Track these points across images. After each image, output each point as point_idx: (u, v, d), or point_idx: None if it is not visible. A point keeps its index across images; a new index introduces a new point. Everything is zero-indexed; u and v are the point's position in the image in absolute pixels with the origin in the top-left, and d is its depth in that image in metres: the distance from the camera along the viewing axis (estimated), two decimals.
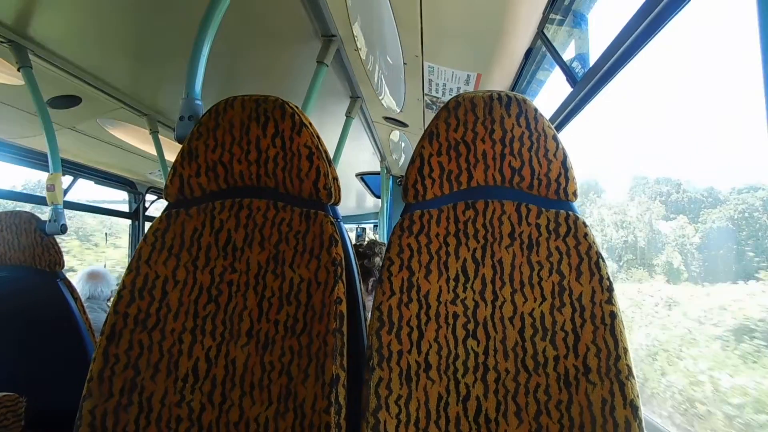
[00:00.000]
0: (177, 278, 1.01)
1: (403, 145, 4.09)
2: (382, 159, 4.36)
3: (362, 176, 5.28)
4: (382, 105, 2.95)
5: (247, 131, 1.04)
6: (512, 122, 1.00)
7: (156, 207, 4.28)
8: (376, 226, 6.94)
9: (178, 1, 1.72)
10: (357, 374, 0.95)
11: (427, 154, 1.02)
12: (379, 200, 5.61)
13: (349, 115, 2.63)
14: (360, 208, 7.08)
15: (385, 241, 5.01)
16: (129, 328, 0.97)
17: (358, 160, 4.44)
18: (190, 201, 1.06)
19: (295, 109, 1.05)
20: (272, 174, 1.04)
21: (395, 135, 3.79)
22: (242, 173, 1.05)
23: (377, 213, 6.21)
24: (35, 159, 2.95)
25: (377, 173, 4.86)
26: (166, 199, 1.08)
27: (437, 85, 2.40)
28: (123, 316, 0.98)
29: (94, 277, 2.83)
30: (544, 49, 1.86)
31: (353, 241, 1.51)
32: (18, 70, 1.92)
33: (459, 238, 1.00)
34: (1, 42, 1.85)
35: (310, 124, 1.05)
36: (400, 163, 4.81)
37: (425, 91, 2.54)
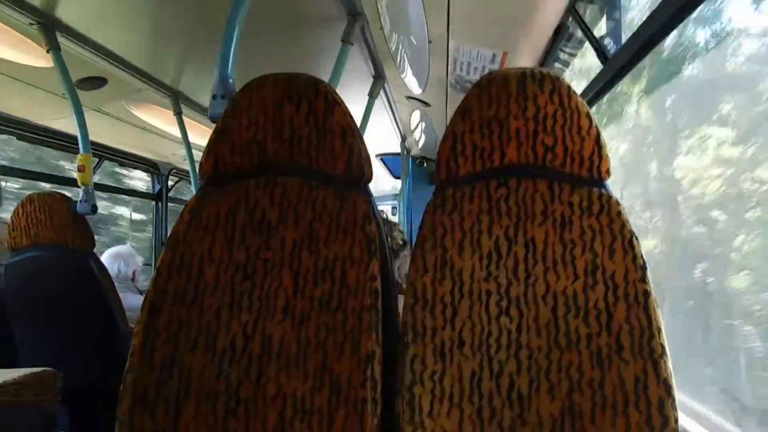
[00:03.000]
0: (213, 256, 1.02)
1: (423, 125, 4.07)
2: (403, 139, 4.34)
3: (381, 157, 5.27)
4: (405, 84, 2.93)
5: (281, 110, 1.04)
6: (545, 99, 0.99)
7: (177, 188, 4.33)
8: (394, 207, 6.93)
9: None
10: (390, 350, 0.96)
11: (460, 131, 1.02)
12: (396, 181, 5.60)
13: (371, 95, 2.62)
14: (378, 191, 7.07)
15: (403, 221, 5.01)
16: (168, 303, 0.99)
17: (378, 140, 4.43)
18: (224, 179, 1.07)
19: (328, 87, 1.05)
20: (306, 152, 1.04)
21: (416, 115, 3.77)
22: (276, 151, 1.05)
23: (395, 195, 6.21)
24: (60, 140, 2.99)
25: (396, 154, 4.85)
26: (201, 178, 1.10)
27: (462, 63, 2.37)
28: (162, 292, 1.00)
29: (117, 256, 2.90)
30: (573, 26, 1.83)
31: None
32: (47, 51, 1.95)
33: (492, 215, 1.00)
34: (31, 24, 1.87)
35: (342, 102, 1.05)
36: (420, 144, 4.79)
37: (450, 70, 2.52)
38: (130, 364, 0.96)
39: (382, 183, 6.41)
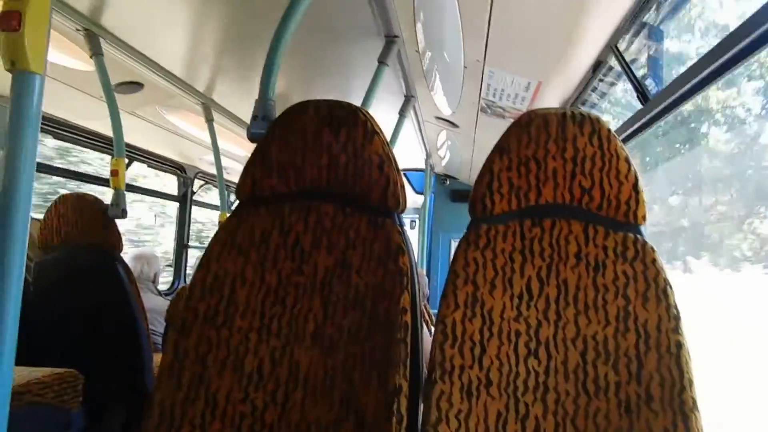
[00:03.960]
0: (245, 277, 1.03)
1: (449, 143, 4.07)
2: (428, 156, 4.34)
3: (405, 172, 5.26)
4: (435, 104, 2.94)
5: (320, 136, 1.05)
6: (585, 141, 0.99)
7: (200, 192, 4.37)
8: (413, 221, 6.92)
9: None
10: (415, 385, 0.96)
11: (497, 169, 1.02)
12: (417, 196, 5.60)
13: (402, 114, 2.63)
14: None
15: (424, 236, 5.00)
16: (199, 323, 1.00)
17: (400, 155, 4.44)
18: (260, 201, 1.08)
19: (368, 115, 1.06)
20: (342, 180, 1.05)
21: (443, 134, 3.77)
22: (313, 177, 1.06)
23: (415, 209, 6.20)
24: (95, 141, 3.05)
25: (418, 169, 4.85)
26: (238, 198, 1.11)
27: (495, 90, 2.37)
28: (193, 312, 1.01)
29: (140, 258, 2.94)
30: (612, 62, 1.82)
31: None
32: (90, 57, 1.99)
33: (525, 255, 0.99)
34: (77, 30, 1.92)
35: (381, 131, 1.06)
36: (444, 162, 4.79)
37: (482, 95, 2.52)
38: (158, 382, 0.97)
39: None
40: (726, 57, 1.11)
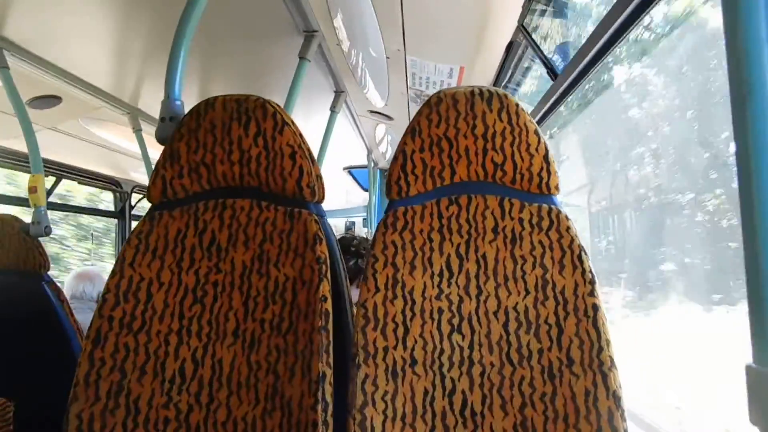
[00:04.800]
0: (161, 280, 1.00)
1: (389, 138, 4.09)
2: (369, 152, 4.35)
3: (350, 170, 5.27)
4: (367, 99, 2.95)
5: (229, 131, 1.03)
6: (494, 117, 1.01)
7: (141, 206, 4.25)
8: (365, 219, 6.93)
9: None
10: (343, 371, 0.96)
11: (410, 150, 1.02)
12: (366, 193, 5.61)
13: (333, 110, 2.62)
14: (349, 202, 7.06)
15: (372, 233, 5.01)
16: (114, 331, 0.97)
17: (345, 153, 4.43)
18: (173, 202, 1.06)
19: (277, 107, 1.05)
20: (255, 174, 1.04)
21: (381, 129, 3.79)
22: (225, 174, 1.04)
23: (365, 207, 6.21)
24: (17, 161, 2.91)
25: (364, 167, 4.86)
26: (149, 201, 1.08)
27: (421, 78, 2.40)
28: (108, 320, 0.98)
29: (81, 277, 2.81)
30: (524, 42, 1.87)
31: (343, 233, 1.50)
32: None
33: (443, 233, 1.01)
34: None
35: (293, 122, 1.05)
36: (387, 156, 4.81)
37: (409, 85, 2.54)
38: (74, 394, 0.94)
39: (353, 195, 6.41)
40: (620, 20, 1.15)
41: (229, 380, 0.94)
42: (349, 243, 1.96)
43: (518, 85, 2.32)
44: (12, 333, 1.82)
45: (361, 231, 6.38)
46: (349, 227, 7.19)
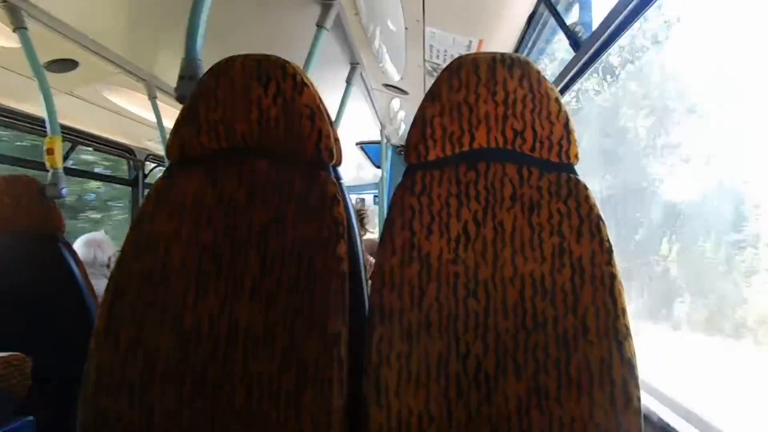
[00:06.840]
0: (180, 237, 1.01)
1: (403, 113, 4.06)
2: (382, 127, 4.33)
3: (362, 145, 5.25)
4: (383, 72, 2.92)
5: (249, 91, 1.03)
6: (515, 84, 1.00)
7: (154, 175, 4.27)
8: (375, 196, 6.92)
9: None
10: (359, 331, 0.97)
11: (429, 115, 1.02)
12: (378, 170, 5.59)
13: (349, 82, 2.61)
14: (359, 179, 7.05)
15: (383, 210, 5.01)
16: (134, 284, 0.99)
17: (357, 128, 4.41)
18: (191, 160, 1.06)
19: (297, 69, 1.04)
20: (274, 134, 1.04)
21: (395, 103, 3.76)
22: (243, 133, 1.04)
23: (376, 183, 6.20)
24: (33, 124, 2.93)
25: (377, 142, 4.84)
26: (168, 159, 1.09)
27: (438, 51, 2.37)
28: (128, 273, 0.99)
29: (91, 243, 2.84)
30: (546, 13, 1.84)
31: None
32: (14, 31, 1.90)
33: (460, 199, 1.00)
34: None
35: (312, 84, 1.05)
36: (400, 132, 4.78)
37: (426, 58, 2.52)
38: (94, 345, 0.96)
39: (365, 171, 6.40)
40: None
41: (246, 337, 0.95)
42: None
43: (536, 60, 2.29)
44: (30, 292, 1.86)
45: (372, 208, 6.37)
46: (360, 203, 7.20)
